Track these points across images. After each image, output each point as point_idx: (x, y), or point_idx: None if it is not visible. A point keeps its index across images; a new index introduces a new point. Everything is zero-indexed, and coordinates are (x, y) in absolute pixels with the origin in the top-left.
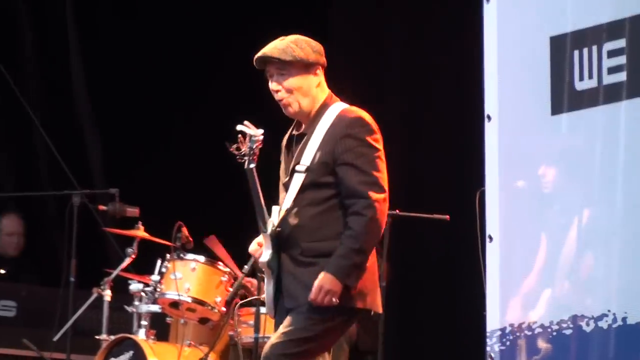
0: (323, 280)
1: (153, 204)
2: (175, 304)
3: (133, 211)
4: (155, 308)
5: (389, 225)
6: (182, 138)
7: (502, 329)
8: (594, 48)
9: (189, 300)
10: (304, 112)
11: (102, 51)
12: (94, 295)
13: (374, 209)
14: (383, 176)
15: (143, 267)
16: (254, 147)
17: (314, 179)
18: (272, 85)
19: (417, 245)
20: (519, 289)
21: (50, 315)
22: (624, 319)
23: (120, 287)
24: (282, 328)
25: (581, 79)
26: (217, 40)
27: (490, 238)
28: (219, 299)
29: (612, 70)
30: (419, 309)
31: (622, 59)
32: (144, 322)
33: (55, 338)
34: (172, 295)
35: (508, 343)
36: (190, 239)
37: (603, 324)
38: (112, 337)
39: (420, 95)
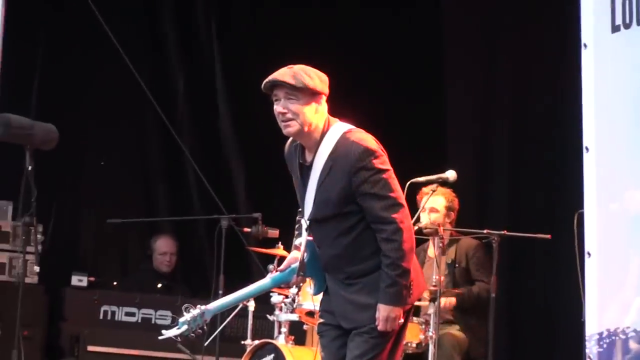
0: (384, 311)
1: (291, 227)
2: (310, 313)
3: (273, 233)
4: (294, 317)
5: (498, 243)
6: None
7: (600, 333)
8: None
9: None
10: (302, 134)
11: (246, 94)
12: (240, 306)
13: (401, 231)
14: (398, 194)
15: None
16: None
17: (337, 211)
18: (279, 108)
19: (522, 261)
20: (614, 299)
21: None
22: None
23: (263, 299)
24: (353, 351)
25: None
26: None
27: (589, 254)
28: None
29: None
30: (524, 317)
31: None
32: (283, 329)
33: (206, 343)
34: (308, 305)
35: (605, 345)
36: None
37: None
38: (256, 342)
39: (525, 129)
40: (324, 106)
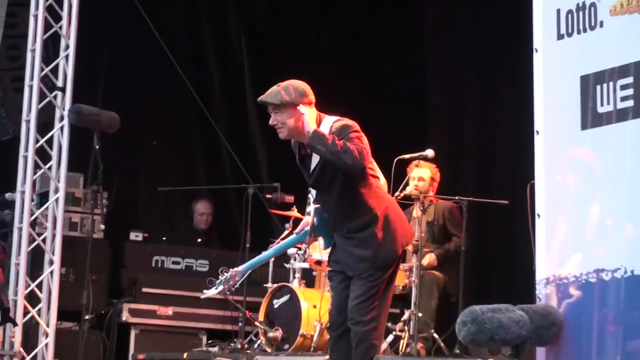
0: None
1: (303, 194)
2: (318, 262)
3: (289, 198)
4: (305, 265)
5: (467, 207)
6: None
7: (547, 278)
8: (611, 83)
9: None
10: (293, 136)
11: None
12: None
13: (351, 154)
14: (365, 146)
15: None
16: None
17: (333, 175)
18: (271, 120)
19: (487, 221)
20: (558, 251)
21: (230, 269)
22: (632, 271)
23: None
24: (355, 292)
25: (601, 105)
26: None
27: (539, 215)
28: None
29: (623, 98)
30: (489, 264)
31: (630, 91)
32: (297, 275)
33: (236, 286)
34: (316, 256)
35: (551, 288)
36: None
37: (617, 275)
38: (275, 285)
39: (489, 116)
40: (308, 110)
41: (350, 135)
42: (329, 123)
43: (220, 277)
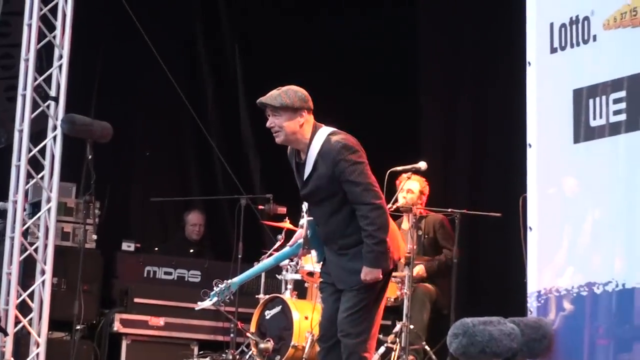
0: (365, 272)
1: (296, 206)
2: (310, 274)
3: (282, 210)
4: (297, 276)
5: (459, 220)
6: None
7: (539, 291)
8: (604, 97)
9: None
10: (289, 142)
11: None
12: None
13: (374, 209)
14: (372, 180)
15: None
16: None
17: (326, 195)
18: (268, 123)
19: (480, 234)
20: (550, 264)
21: (224, 280)
22: (623, 285)
23: None
24: (345, 304)
25: (594, 118)
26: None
27: (531, 229)
28: None
29: (616, 112)
30: (481, 277)
31: (622, 105)
32: (289, 286)
33: (229, 297)
34: (308, 267)
35: (542, 301)
36: None
37: (608, 288)
38: (267, 296)
39: (482, 129)
40: (306, 117)
41: (351, 169)
42: (324, 135)
43: (215, 288)
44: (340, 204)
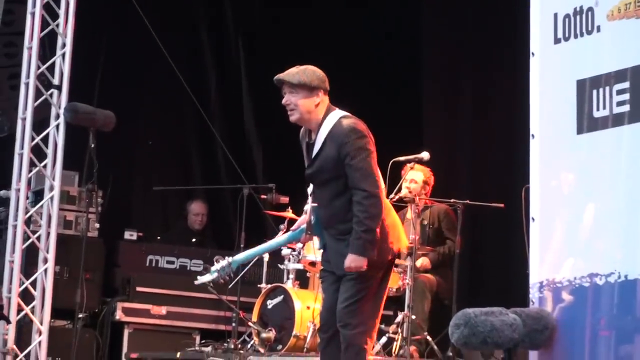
0: (349, 259)
1: (298, 195)
2: (312, 263)
3: (284, 199)
4: (299, 266)
5: (462, 210)
6: None
7: (540, 282)
8: (607, 88)
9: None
10: (303, 121)
11: (265, 91)
12: (257, 257)
13: (369, 197)
14: (373, 168)
15: None
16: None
17: (330, 176)
18: (284, 100)
19: (482, 224)
20: (552, 255)
21: (225, 257)
22: (626, 276)
23: (275, 252)
24: (343, 294)
25: (597, 109)
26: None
27: (533, 219)
28: None
29: (619, 103)
30: (483, 267)
31: (626, 96)
32: (291, 276)
33: (230, 286)
34: (310, 257)
35: (544, 292)
36: None
37: (611, 279)
38: (269, 286)
39: (484, 119)
40: (322, 98)
41: (355, 154)
42: (336, 117)
43: (215, 263)
44: (343, 187)
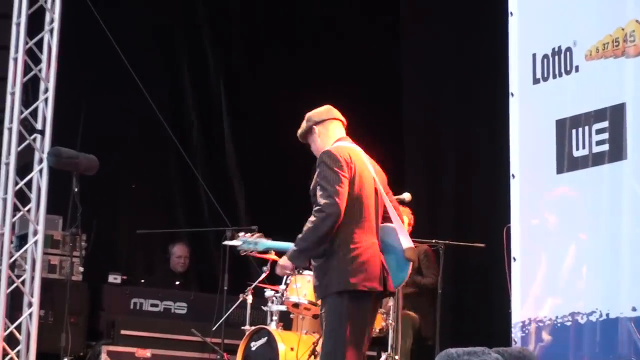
0: (281, 259)
1: (283, 237)
2: (296, 305)
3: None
4: (283, 308)
5: (443, 250)
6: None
7: (523, 322)
8: (586, 127)
9: (306, 302)
10: (316, 153)
11: (248, 128)
12: (240, 299)
13: (321, 215)
14: (335, 189)
15: (274, 279)
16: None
17: (314, 199)
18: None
19: (464, 264)
20: (534, 294)
21: (210, 312)
22: (607, 314)
23: (259, 294)
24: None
25: (577, 149)
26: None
27: (514, 259)
28: None
29: (599, 143)
30: (466, 306)
31: (605, 135)
32: (274, 317)
33: (214, 328)
34: (294, 299)
35: (527, 331)
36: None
37: (592, 318)
38: (253, 327)
39: (466, 161)
40: (320, 129)
41: (321, 171)
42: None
43: (245, 234)
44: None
